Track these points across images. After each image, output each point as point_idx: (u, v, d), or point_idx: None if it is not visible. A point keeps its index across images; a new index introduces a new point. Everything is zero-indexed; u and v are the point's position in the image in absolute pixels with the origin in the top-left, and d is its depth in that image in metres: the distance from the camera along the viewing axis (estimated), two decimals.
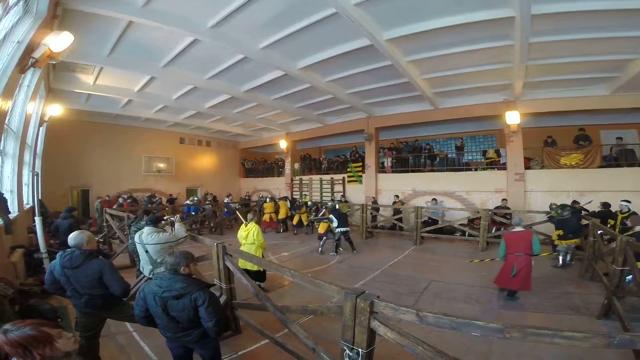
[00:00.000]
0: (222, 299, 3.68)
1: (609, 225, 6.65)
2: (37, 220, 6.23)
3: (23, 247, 5.62)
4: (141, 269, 3.97)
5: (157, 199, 13.73)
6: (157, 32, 6.04)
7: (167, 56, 7.26)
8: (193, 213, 12.00)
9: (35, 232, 6.40)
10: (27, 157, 7.98)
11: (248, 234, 5.21)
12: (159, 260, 3.64)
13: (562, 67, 7.50)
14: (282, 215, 11.50)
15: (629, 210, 6.61)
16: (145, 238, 3.67)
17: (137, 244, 3.78)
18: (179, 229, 4.01)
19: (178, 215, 4.74)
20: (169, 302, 2.21)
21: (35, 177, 6.94)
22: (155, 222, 3.91)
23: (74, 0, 4.84)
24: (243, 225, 5.42)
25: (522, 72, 7.59)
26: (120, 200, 12.06)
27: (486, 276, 6.10)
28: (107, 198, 12.40)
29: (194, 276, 2.43)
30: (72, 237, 2.76)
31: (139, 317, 2.36)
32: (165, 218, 4.77)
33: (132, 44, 6.58)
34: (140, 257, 3.92)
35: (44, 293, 4.43)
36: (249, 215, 5.50)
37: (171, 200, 14.07)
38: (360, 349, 2.13)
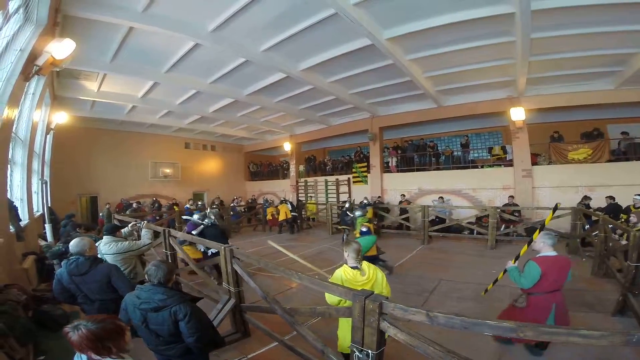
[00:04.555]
0: (231, 303, 3.68)
1: (621, 221, 6.54)
2: (47, 227, 6.33)
3: (34, 254, 5.68)
4: None
5: (160, 204, 13.79)
6: (158, 37, 6.10)
7: (169, 61, 7.32)
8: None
9: (46, 239, 6.50)
10: (36, 165, 8.08)
11: (373, 285, 2.76)
12: None
13: (565, 62, 7.42)
14: (282, 217, 11.60)
15: None
16: (103, 248, 3.48)
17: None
18: (144, 235, 3.84)
19: (145, 222, 4.51)
20: (148, 314, 2.10)
21: (44, 185, 7.05)
22: (113, 231, 3.72)
23: (74, 7, 4.89)
24: (352, 272, 2.79)
25: (525, 68, 7.53)
26: (134, 205, 12.19)
27: (496, 274, 6.01)
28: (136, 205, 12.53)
29: (181, 286, 2.31)
30: (74, 245, 2.77)
31: None
32: (132, 223, 4.53)
33: (134, 49, 6.65)
34: None
35: (57, 298, 4.46)
36: (353, 248, 2.84)
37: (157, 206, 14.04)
38: (370, 350, 2.10)
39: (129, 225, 4.56)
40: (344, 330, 2.64)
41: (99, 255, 3.49)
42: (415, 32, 6.03)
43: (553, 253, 3.17)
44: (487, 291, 4.37)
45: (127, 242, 3.67)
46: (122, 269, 3.44)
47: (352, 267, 2.83)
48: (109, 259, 3.44)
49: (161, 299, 2.08)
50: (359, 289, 2.49)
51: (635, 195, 6.66)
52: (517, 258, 3.55)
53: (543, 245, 3.21)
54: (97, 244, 3.58)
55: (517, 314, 3.17)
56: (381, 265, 5.79)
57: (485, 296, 4.67)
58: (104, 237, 3.65)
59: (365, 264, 2.88)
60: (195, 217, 6.25)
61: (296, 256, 4.27)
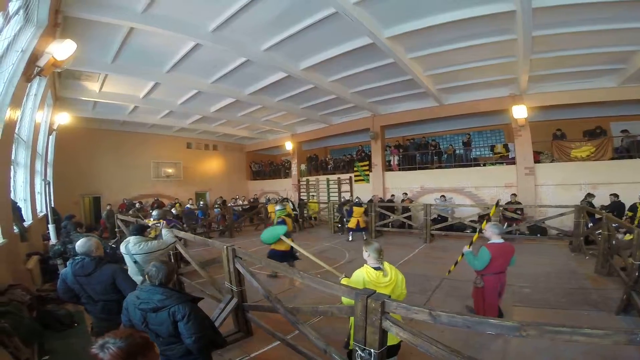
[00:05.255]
0: (233, 302, 3.69)
1: (625, 218, 6.50)
2: (51, 227, 6.36)
3: (38, 254, 5.72)
4: None
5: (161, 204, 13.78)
6: (159, 37, 6.11)
7: (170, 61, 7.34)
8: (201, 217, 12.12)
9: (49, 239, 6.54)
10: (39, 165, 8.12)
11: (394, 287, 2.67)
12: None
13: (568, 59, 7.40)
14: None
15: None
16: (133, 248, 3.50)
17: (123, 254, 3.59)
18: (166, 235, 3.90)
19: (164, 222, 4.58)
20: (148, 314, 2.10)
21: (47, 185, 7.09)
22: (141, 231, 3.75)
23: (74, 8, 4.91)
24: (375, 273, 2.64)
25: (526, 66, 7.49)
26: (137, 205, 12.26)
27: None
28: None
29: (184, 286, 2.29)
30: (80, 245, 2.77)
31: (125, 326, 2.25)
32: (150, 225, 4.61)
33: (135, 50, 6.67)
34: (128, 268, 3.64)
35: (60, 299, 4.49)
36: (374, 247, 2.73)
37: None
38: (372, 350, 2.10)
39: (150, 225, 4.62)
40: None
41: (126, 256, 3.53)
42: (416, 30, 6.01)
43: (500, 240, 3.78)
44: (450, 272, 5.04)
45: (156, 242, 3.70)
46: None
47: (374, 268, 2.67)
48: (139, 259, 3.45)
49: (160, 300, 2.08)
50: (382, 289, 2.47)
51: None
52: (471, 244, 4.13)
53: (492, 234, 3.79)
54: (123, 244, 3.62)
55: (480, 292, 3.83)
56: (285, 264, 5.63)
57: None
58: (132, 237, 3.63)
59: (386, 264, 2.73)
60: (155, 213, 6.52)
61: (307, 252, 4.27)
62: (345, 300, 2.51)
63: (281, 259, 5.36)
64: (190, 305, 2.13)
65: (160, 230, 4.25)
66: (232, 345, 3.58)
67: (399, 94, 10.44)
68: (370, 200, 11.03)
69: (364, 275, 2.65)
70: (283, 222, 5.94)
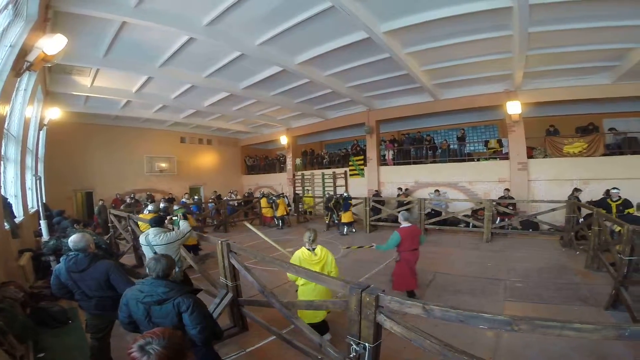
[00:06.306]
0: (229, 297, 3.70)
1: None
2: (43, 223, 6.29)
3: (30, 251, 5.66)
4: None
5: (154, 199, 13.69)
6: (152, 31, 6.00)
7: (163, 55, 7.22)
8: (196, 211, 12.05)
9: (41, 235, 6.47)
10: (29, 161, 7.99)
11: (324, 265, 3.50)
12: None
13: (563, 56, 7.43)
14: (281, 212, 11.58)
15: (620, 198, 6.54)
16: (153, 239, 3.62)
17: (143, 245, 3.73)
18: (183, 225, 4.04)
19: (181, 214, 4.73)
20: (152, 307, 2.12)
21: (37, 181, 6.99)
22: (161, 222, 3.88)
23: (65, 3, 4.79)
24: (308, 252, 3.51)
25: (522, 62, 7.52)
26: (127, 200, 12.15)
27: (491, 267, 6.10)
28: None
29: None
30: (76, 241, 2.75)
31: (124, 323, 2.26)
32: (169, 217, 4.75)
33: (128, 44, 6.54)
34: (145, 259, 3.85)
35: (54, 295, 4.45)
36: (308, 235, 3.58)
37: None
38: (366, 344, 2.12)
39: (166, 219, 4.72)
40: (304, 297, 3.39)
41: (146, 247, 3.65)
42: (413, 25, 5.98)
43: (408, 224, 4.70)
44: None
45: (174, 232, 3.81)
46: (172, 257, 3.52)
47: (307, 249, 3.51)
48: (159, 249, 3.54)
49: (164, 292, 2.11)
50: (313, 266, 3.33)
51: (612, 189, 6.69)
52: (370, 246, 5.20)
53: (401, 220, 4.77)
54: (143, 235, 3.73)
55: (398, 265, 4.72)
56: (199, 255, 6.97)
57: (480, 286, 4.76)
58: (151, 229, 3.74)
59: (319, 247, 3.58)
60: (150, 207, 6.78)
61: (262, 234, 4.70)
62: (290, 275, 3.35)
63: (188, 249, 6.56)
64: (192, 296, 2.19)
65: (173, 222, 4.39)
66: (227, 341, 3.60)
67: (394, 89, 10.42)
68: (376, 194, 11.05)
69: (300, 255, 3.49)
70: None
